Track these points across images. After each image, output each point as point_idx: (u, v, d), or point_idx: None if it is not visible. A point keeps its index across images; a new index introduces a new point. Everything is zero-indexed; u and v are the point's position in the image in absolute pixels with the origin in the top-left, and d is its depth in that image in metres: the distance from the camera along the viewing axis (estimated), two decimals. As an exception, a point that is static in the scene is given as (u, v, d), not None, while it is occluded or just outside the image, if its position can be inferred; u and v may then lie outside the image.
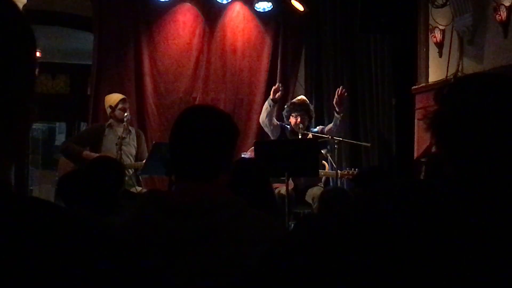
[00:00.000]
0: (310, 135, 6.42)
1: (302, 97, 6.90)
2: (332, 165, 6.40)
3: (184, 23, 7.76)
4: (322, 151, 6.43)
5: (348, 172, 6.26)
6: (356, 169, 6.24)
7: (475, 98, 1.21)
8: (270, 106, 6.59)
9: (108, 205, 3.21)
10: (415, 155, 6.19)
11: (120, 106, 6.37)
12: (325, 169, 6.49)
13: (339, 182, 6.36)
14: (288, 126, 6.56)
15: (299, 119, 6.41)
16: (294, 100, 6.78)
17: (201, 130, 1.82)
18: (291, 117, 6.52)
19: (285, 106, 6.69)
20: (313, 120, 6.95)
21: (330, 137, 6.24)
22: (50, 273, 0.77)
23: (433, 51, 6.23)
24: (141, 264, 0.89)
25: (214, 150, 1.82)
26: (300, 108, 6.50)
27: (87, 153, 6.17)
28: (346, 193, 4.36)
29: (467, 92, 1.23)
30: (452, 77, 5.73)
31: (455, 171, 1.22)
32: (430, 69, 6.30)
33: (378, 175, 4.04)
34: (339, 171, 6.14)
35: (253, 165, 3.33)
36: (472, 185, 1.18)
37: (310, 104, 6.78)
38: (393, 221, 1.15)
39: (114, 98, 6.48)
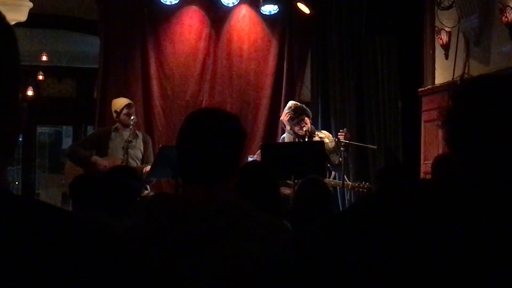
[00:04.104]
0: (317, 137, 6.38)
1: (292, 102, 6.64)
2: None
3: (190, 26, 7.77)
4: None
5: (358, 184, 6.17)
6: (367, 183, 6.14)
7: (491, 97, 1.21)
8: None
9: (121, 211, 3.22)
10: (422, 157, 6.17)
11: (125, 111, 6.37)
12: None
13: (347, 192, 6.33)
14: (291, 134, 6.45)
15: (302, 124, 6.36)
16: (286, 110, 6.50)
17: (208, 133, 1.81)
18: (294, 127, 6.40)
19: (280, 119, 6.55)
20: (318, 120, 6.91)
21: (337, 139, 6.21)
22: (54, 275, 0.77)
23: (439, 53, 6.21)
24: (148, 267, 0.89)
25: (222, 152, 1.81)
26: (297, 114, 6.40)
27: (95, 158, 6.17)
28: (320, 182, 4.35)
29: (483, 91, 1.23)
30: (458, 79, 5.72)
31: (464, 170, 1.22)
32: (436, 71, 6.28)
33: (398, 171, 4.05)
34: (349, 182, 6.11)
35: (262, 169, 3.33)
36: (481, 184, 1.18)
37: (302, 105, 6.67)
38: (401, 224, 1.15)
39: (119, 103, 6.48)
